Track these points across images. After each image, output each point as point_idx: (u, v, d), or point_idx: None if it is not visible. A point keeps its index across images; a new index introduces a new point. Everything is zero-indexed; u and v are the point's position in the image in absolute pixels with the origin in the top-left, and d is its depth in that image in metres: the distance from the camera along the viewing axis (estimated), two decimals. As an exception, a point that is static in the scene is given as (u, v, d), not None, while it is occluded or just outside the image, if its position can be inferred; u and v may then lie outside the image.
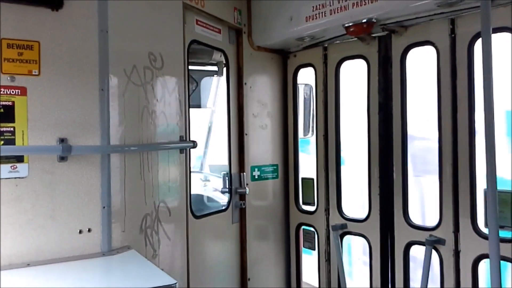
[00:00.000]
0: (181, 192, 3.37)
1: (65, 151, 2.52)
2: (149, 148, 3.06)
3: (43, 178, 2.52)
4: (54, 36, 2.56)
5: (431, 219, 3.56)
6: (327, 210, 4.24)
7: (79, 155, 2.62)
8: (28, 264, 2.43)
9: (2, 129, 2.41)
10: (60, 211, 2.57)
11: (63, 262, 2.51)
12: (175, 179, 3.32)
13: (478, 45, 3.16)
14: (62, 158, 2.56)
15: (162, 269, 2.75)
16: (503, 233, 3.03)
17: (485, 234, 3.07)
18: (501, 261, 2.64)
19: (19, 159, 2.45)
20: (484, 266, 3.21)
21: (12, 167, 2.44)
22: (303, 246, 4.59)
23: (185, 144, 3.40)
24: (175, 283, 2.26)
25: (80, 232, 2.63)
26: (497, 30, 2.99)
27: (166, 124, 3.22)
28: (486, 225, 2.97)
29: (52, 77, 2.55)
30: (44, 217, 2.52)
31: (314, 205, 4.40)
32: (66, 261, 2.52)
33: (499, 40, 3.11)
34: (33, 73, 2.50)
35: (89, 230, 2.66)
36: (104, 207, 2.69)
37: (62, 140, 2.55)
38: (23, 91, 2.47)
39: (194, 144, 3.48)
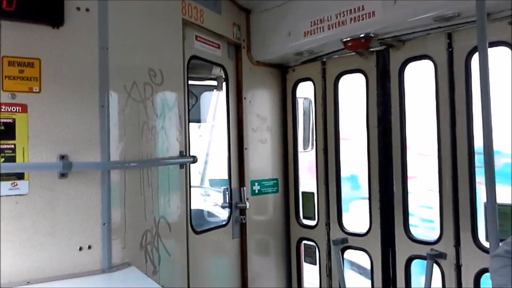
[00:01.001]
0: (181, 208, 3.37)
1: (65, 167, 2.52)
2: (149, 164, 3.06)
3: (43, 195, 2.52)
4: (54, 53, 2.59)
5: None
6: (327, 225, 4.23)
7: (80, 171, 2.62)
8: (28, 282, 2.41)
9: (2, 146, 2.42)
10: (60, 228, 2.56)
11: (63, 280, 2.49)
12: (175, 195, 3.32)
13: (475, 59, 3.20)
14: (63, 175, 2.56)
15: (163, 286, 2.74)
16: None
17: (487, 248, 3.05)
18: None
19: (20, 176, 2.46)
20: (486, 280, 3.19)
21: (13, 184, 2.44)
22: (304, 261, 4.57)
23: (185, 160, 3.40)
24: (176, 301, 2.25)
25: (80, 249, 2.62)
26: (493, 44, 3.02)
27: (166, 139, 3.22)
28: (487, 238, 2.96)
29: (52, 94, 2.57)
30: (44, 234, 2.51)
31: (314, 219, 4.39)
32: (66, 279, 2.50)
33: (496, 54, 3.14)
34: (34, 90, 2.52)
35: (89, 247, 2.64)
36: (104, 224, 2.69)
37: (62, 157, 2.56)
38: (24, 108, 2.48)
39: (194, 159, 3.49)
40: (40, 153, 2.51)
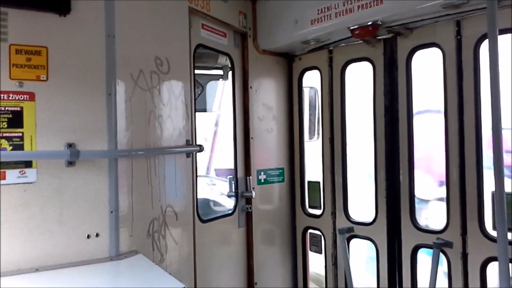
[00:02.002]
0: (188, 196, 3.38)
1: (73, 156, 2.53)
2: (156, 153, 3.06)
3: (51, 183, 2.53)
4: (61, 42, 2.58)
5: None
6: (333, 214, 4.23)
7: (87, 159, 2.63)
8: (37, 269, 2.44)
9: (10, 135, 2.43)
10: (68, 216, 2.58)
11: (71, 267, 2.52)
12: (182, 183, 3.33)
13: (484, 47, 3.16)
14: (70, 163, 2.57)
15: (170, 273, 2.76)
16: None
17: (493, 236, 3.05)
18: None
19: (28, 164, 2.47)
20: (492, 269, 3.19)
21: (21, 172, 2.45)
22: (310, 250, 4.58)
23: (191, 148, 3.41)
24: (183, 287, 2.26)
25: (88, 237, 2.64)
26: (503, 31, 2.99)
27: (173, 128, 3.23)
28: (494, 227, 2.95)
29: (60, 82, 2.57)
30: (52, 222, 2.53)
31: (320, 209, 4.39)
32: (74, 266, 2.53)
33: (505, 41, 3.11)
34: (41, 79, 2.52)
35: (97, 235, 2.66)
36: (111, 212, 2.70)
37: (70, 145, 2.56)
38: (31, 96, 2.48)
39: (201, 148, 3.49)
40: (47, 141, 2.52)
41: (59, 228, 2.55)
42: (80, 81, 2.63)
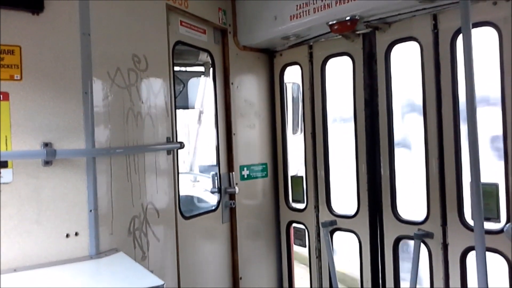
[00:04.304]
0: (169, 193, 3.37)
1: (49, 155, 2.51)
2: (135, 150, 3.05)
3: (28, 183, 2.51)
4: (35, 40, 2.56)
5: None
6: (316, 207, 4.26)
7: (64, 159, 2.61)
8: (15, 270, 2.42)
9: (-16, 135, 2.40)
10: (46, 215, 2.56)
11: (51, 267, 2.50)
12: (163, 181, 3.33)
13: (460, 40, 3.19)
14: (47, 163, 2.55)
15: (152, 271, 2.76)
16: (491, 225, 3.08)
17: (472, 226, 3.09)
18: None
19: (3, 164, 2.44)
20: (472, 258, 3.24)
21: (-4, 173, 2.43)
22: (294, 244, 4.61)
23: (172, 145, 3.40)
24: (163, 284, 2.27)
25: (67, 236, 2.62)
26: (478, 24, 3.03)
27: (152, 125, 3.22)
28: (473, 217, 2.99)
29: (34, 81, 2.54)
30: (30, 222, 2.51)
31: (303, 203, 4.42)
32: (54, 266, 2.52)
33: (483, 34, 3.15)
34: (15, 78, 2.49)
35: (76, 234, 2.65)
36: (91, 211, 2.69)
37: (46, 145, 2.54)
38: (5, 96, 2.46)
39: (181, 145, 3.49)
40: (23, 141, 2.50)
41: (37, 228, 2.53)
42: (55, 80, 2.61)
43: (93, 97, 2.72)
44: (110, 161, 2.83)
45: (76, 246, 2.64)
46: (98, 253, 2.70)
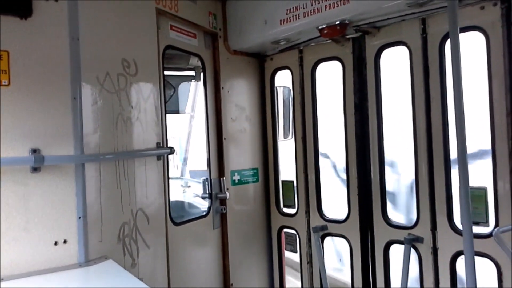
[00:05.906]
0: (159, 199, 3.35)
1: (37, 161, 2.48)
2: (124, 156, 3.02)
3: (16, 190, 2.47)
4: (24, 45, 2.52)
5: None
6: (307, 212, 4.25)
7: (53, 165, 2.58)
8: (2, 279, 2.38)
9: (-29, 141, 2.36)
10: (34, 223, 2.52)
11: (39, 275, 2.46)
12: (153, 186, 3.30)
13: (449, 44, 3.21)
14: (35, 169, 2.52)
15: (142, 278, 2.74)
16: (480, 229, 3.09)
17: (462, 231, 3.10)
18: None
19: (-10, 171, 2.40)
20: (462, 262, 3.25)
21: (-17, 180, 2.38)
22: (285, 249, 4.60)
23: (162, 151, 3.38)
24: (153, 292, 2.24)
25: (56, 243, 2.58)
26: (466, 29, 3.05)
27: (142, 130, 3.19)
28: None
29: (22, 86, 2.51)
30: (18, 229, 2.47)
31: (294, 208, 4.41)
32: (42, 274, 2.47)
33: (471, 38, 3.17)
34: (3, 84, 2.45)
35: (65, 242, 2.61)
36: (79, 218, 2.66)
37: (34, 151, 2.51)
38: (-8, 102, 2.42)
39: (172, 151, 3.46)
40: (11, 148, 2.46)
41: (25, 235, 2.49)
42: (44, 85, 2.57)
43: (82, 102, 2.69)
44: (99, 167, 2.80)
45: (65, 254, 2.61)
46: (87, 260, 2.66)
